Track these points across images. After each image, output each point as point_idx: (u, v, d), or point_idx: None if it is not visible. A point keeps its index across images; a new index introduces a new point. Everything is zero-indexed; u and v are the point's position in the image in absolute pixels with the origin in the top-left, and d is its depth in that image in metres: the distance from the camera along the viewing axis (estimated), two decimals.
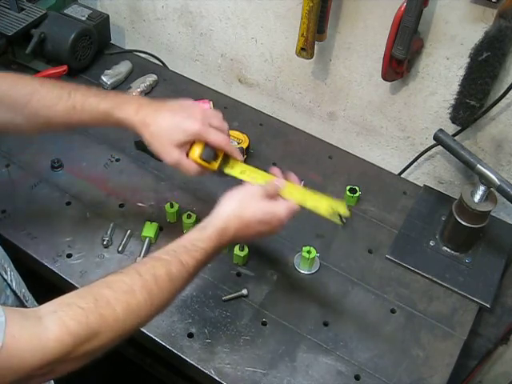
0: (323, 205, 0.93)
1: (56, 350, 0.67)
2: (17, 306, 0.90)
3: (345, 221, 0.94)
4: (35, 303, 0.96)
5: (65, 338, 0.67)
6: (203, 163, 0.93)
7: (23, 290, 0.93)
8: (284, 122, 1.50)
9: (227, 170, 0.98)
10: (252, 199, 0.89)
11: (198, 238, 0.85)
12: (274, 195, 0.91)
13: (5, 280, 0.87)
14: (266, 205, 0.90)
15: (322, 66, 1.39)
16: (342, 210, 0.92)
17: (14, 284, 0.89)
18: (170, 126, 0.93)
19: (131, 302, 0.74)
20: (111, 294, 0.74)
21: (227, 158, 0.98)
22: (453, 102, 1.17)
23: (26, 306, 0.93)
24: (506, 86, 1.13)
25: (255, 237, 0.92)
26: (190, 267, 0.82)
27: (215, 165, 0.96)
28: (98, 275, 1.12)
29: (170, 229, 1.22)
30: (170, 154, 0.93)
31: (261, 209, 0.89)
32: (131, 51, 1.69)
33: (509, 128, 1.21)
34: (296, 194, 0.93)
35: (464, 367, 1.37)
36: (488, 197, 1.12)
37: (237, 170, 0.98)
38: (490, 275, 1.18)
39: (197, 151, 0.93)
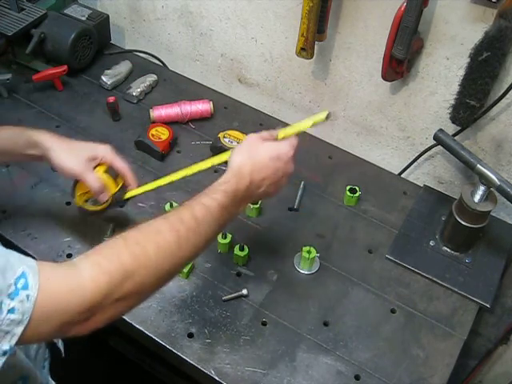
0: (306, 122, 0.97)
1: (93, 290, 0.68)
2: None
3: (330, 117, 0.96)
4: None
5: (99, 276, 0.69)
6: (106, 178, 1.04)
7: None
8: (284, 122, 1.50)
9: (127, 196, 1.08)
10: (257, 143, 0.93)
11: (216, 184, 0.87)
12: (268, 139, 0.96)
13: None
14: (270, 144, 0.94)
15: (322, 66, 1.39)
16: (322, 115, 0.95)
17: None
18: (82, 144, 1.06)
19: (160, 241, 0.76)
20: (139, 234, 0.76)
21: (124, 189, 1.08)
22: (453, 101, 1.17)
23: None
24: (505, 86, 1.13)
25: (273, 179, 0.92)
26: (213, 208, 0.83)
27: (116, 187, 1.06)
28: None
29: None
30: (79, 164, 1.02)
31: (267, 148, 0.92)
32: (131, 51, 1.69)
33: (509, 128, 1.21)
34: (288, 132, 0.97)
35: (464, 367, 1.37)
36: (488, 197, 1.12)
37: (135, 193, 1.08)
38: (489, 275, 1.18)
39: (101, 169, 1.04)
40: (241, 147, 0.93)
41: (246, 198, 0.91)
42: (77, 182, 1.07)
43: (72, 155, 1.02)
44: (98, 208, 1.08)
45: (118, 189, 1.06)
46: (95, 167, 1.04)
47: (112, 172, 1.06)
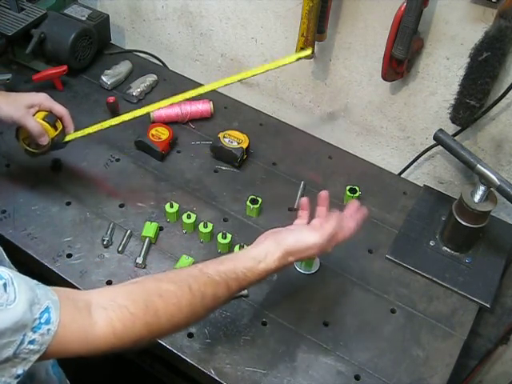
0: (290, 57, 1.07)
1: (100, 346, 0.71)
2: None
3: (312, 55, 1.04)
4: None
5: (110, 338, 0.71)
6: (44, 123, 1.11)
7: None
8: (284, 122, 1.50)
9: (67, 139, 1.17)
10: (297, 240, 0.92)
11: (251, 270, 0.88)
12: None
13: None
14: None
15: (322, 66, 1.39)
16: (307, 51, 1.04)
17: None
18: (20, 94, 1.14)
19: (176, 315, 0.79)
20: (161, 304, 0.77)
21: (63, 133, 1.17)
22: (453, 101, 1.17)
23: None
24: (505, 86, 1.13)
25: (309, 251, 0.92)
26: (234, 292, 0.87)
27: (54, 132, 1.13)
28: (98, 275, 1.12)
29: (170, 229, 1.22)
30: (18, 110, 1.09)
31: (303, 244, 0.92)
32: (131, 51, 1.69)
33: (509, 128, 1.21)
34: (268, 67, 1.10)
35: (464, 367, 1.37)
36: (488, 197, 1.12)
37: (77, 134, 1.18)
38: (490, 275, 1.18)
39: (40, 116, 1.11)
40: (288, 231, 0.93)
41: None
42: (19, 127, 1.13)
43: (10, 104, 1.09)
44: (41, 150, 1.14)
45: (57, 132, 1.14)
46: (35, 114, 1.11)
47: (51, 117, 1.13)
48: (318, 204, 0.99)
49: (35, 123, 1.09)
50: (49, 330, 0.65)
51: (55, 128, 1.14)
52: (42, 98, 1.13)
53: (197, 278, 0.83)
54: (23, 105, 1.10)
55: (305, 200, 1.01)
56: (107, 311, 0.72)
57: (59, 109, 1.14)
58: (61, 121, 1.15)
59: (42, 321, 0.65)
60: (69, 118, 1.16)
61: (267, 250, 0.89)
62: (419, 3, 1.07)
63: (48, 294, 0.67)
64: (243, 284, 0.87)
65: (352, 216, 0.99)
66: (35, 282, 0.68)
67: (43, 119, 1.11)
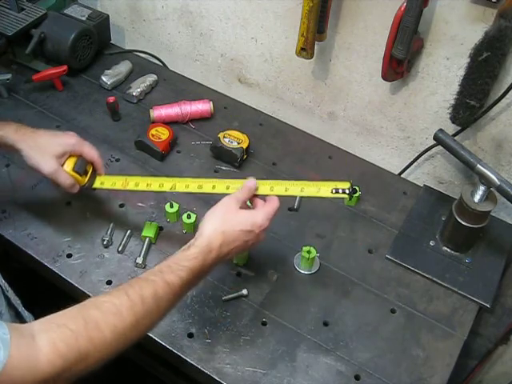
0: (325, 187, 1.01)
1: (47, 371, 0.69)
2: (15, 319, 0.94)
3: (351, 194, 1.01)
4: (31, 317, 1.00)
5: (56, 360, 0.70)
6: (75, 175, 1.07)
7: (18, 302, 0.97)
8: (284, 122, 1.50)
9: (96, 186, 1.13)
10: (231, 213, 0.93)
11: (183, 258, 0.87)
12: (246, 200, 0.96)
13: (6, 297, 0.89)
14: (244, 215, 0.93)
15: (322, 66, 1.39)
16: (346, 185, 1.00)
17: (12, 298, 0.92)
18: (49, 139, 1.06)
19: (118, 324, 0.76)
20: (100, 315, 0.75)
21: (95, 175, 1.13)
22: (453, 101, 1.17)
23: (23, 318, 0.97)
24: (505, 86, 1.13)
25: (242, 248, 0.94)
26: (176, 286, 0.84)
27: (85, 179, 1.10)
28: (98, 275, 1.12)
29: (170, 229, 1.22)
30: (49, 164, 1.04)
31: (239, 220, 0.92)
32: (131, 51, 1.69)
33: (509, 128, 1.21)
34: (275, 189, 1.01)
35: (464, 367, 1.37)
36: (488, 197, 1.12)
37: (106, 184, 1.13)
38: (490, 275, 1.18)
39: (70, 164, 1.07)
40: (214, 213, 0.93)
41: (212, 266, 0.91)
42: None
43: (41, 155, 1.04)
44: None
45: (87, 179, 1.11)
46: (64, 162, 1.07)
47: (82, 165, 1.09)
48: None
49: (66, 177, 1.05)
50: None
51: (86, 174, 1.10)
52: (73, 144, 1.07)
53: (132, 284, 0.81)
54: (53, 155, 1.04)
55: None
56: (48, 333, 0.71)
57: (90, 153, 1.09)
58: (92, 165, 1.11)
59: None
60: (100, 161, 1.11)
61: (196, 235, 0.90)
62: (419, 3, 1.07)
63: None
64: (182, 275, 0.84)
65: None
66: None
67: (73, 169, 1.07)
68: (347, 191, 0.99)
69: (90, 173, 1.11)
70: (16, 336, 0.68)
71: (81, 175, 1.08)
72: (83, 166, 1.09)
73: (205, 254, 0.88)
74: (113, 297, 0.78)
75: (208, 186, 1.06)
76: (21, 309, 1.00)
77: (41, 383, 0.69)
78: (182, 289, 0.85)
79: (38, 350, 0.69)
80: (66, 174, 1.06)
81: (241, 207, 0.94)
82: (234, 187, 1.02)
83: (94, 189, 1.14)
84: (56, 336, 0.71)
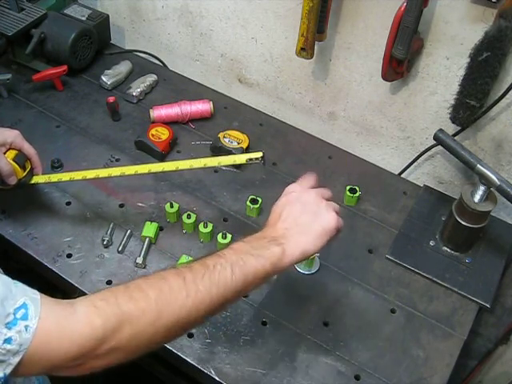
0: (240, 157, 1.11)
1: (85, 334, 0.65)
2: None
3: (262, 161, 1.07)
4: None
5: (94, 319, 0.65)
6: (14, 164, 1.10)
7: None
8: (284, 122, 1.50)
9: (33, 181, 1.16)
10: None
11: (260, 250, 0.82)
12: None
13: None
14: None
15: (322, 66, 1.39)
16: (257, 154, 1.08)
17: None
18: None
19: (164, 287, 0.71)
20: (143, 280, 0.72)
21: (32, 174, 1.16)
22: (453, 102, 1.17)
23: None
24: (505, 86, 1.13)
25: (308, 220, 0.84)
26: (192, 280, 0.74)
27: (23, 173, 1.12)
28: (98, 275, 1.12)
29: (170, 229, 1.22)
30: None
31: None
32: (131, 51, 1.69)
33: (509, 128, 1.21)
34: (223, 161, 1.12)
35: (464, 367, 1.37)
36: (488, 197, 1.12)
37: (40, 180, 1.16)
38: (489, 275, 1.18)
39: (10, 155, 1.10)
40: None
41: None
42: None
43: None
44: (5, 187, 1.13)
45: (25, 173, 1.13)
46: (5, 152, 1.10)
47: (21, 158, 1.12)
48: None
49: (6, 163, 1.08)
50: (27, 326, 0.61)
51: (24, 169, 1.13)
52: (14, 136, 1.11)
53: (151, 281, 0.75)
54: None
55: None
56: (87, 297, 0.69)
57: (29, 149, 1.13)
58: (30, 161, 1.14)
59: (18, 316, 0.61)
60: (37, 159, 1.14)
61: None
62: (419, 3, 1.07)
63: (26, 292, 0.64)
64: (199, 269, 0.75)
65: None
66: (14, 281, 0.65)
67: (13, 159, 1.10)
68: (260, 159, 1.08)
69: (28, 169, 1.14)
70: (47, 298, 0.65)
71: (20, 167, 1.11)
72: (23, 159, 1.12)
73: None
74: (161, 270, 0.75)
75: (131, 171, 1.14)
76: None
77: (80, 350, 0.65)
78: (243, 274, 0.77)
79: (75, 313, 0.65)
80: (6, 160, 1.09)
81: None
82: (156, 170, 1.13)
83: (32, 184, 1.17)
84: (94, 296, 0.68)
